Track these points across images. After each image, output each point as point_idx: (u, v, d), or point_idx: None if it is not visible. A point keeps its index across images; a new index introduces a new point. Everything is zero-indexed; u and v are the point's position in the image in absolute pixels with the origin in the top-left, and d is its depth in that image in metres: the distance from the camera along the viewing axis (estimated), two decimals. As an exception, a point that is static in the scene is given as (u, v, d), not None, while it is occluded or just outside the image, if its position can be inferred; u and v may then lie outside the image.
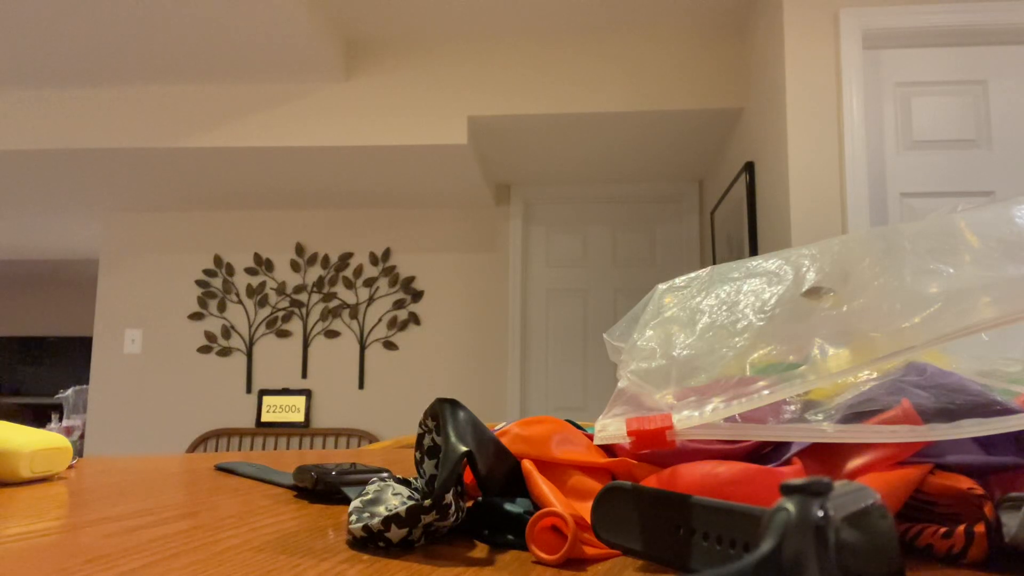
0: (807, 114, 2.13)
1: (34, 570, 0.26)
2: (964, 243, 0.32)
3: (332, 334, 3.63)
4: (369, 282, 3.66)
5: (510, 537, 0.31)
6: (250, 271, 3.72)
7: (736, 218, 2.72)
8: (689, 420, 0.30)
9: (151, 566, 0.27)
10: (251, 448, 3.58)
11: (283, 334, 3.66)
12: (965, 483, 0.28)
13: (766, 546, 0.14)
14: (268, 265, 3.73)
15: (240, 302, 3.71)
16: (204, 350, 3.68)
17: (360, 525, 0.30)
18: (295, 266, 3.70)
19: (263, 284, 3.70)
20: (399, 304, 3.63)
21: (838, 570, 0.14)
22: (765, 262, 0.39)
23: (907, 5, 2.12)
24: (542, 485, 0.33)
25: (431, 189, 3.39)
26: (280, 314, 3.68)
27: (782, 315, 0.34)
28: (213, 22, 2.46)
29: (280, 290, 3.69)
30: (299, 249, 3.71)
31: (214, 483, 0.52)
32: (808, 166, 2.10)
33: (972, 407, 0.29)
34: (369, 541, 0.30)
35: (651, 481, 0.32)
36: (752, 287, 0.38)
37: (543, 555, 0.28)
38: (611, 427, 0.32)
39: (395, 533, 0.30)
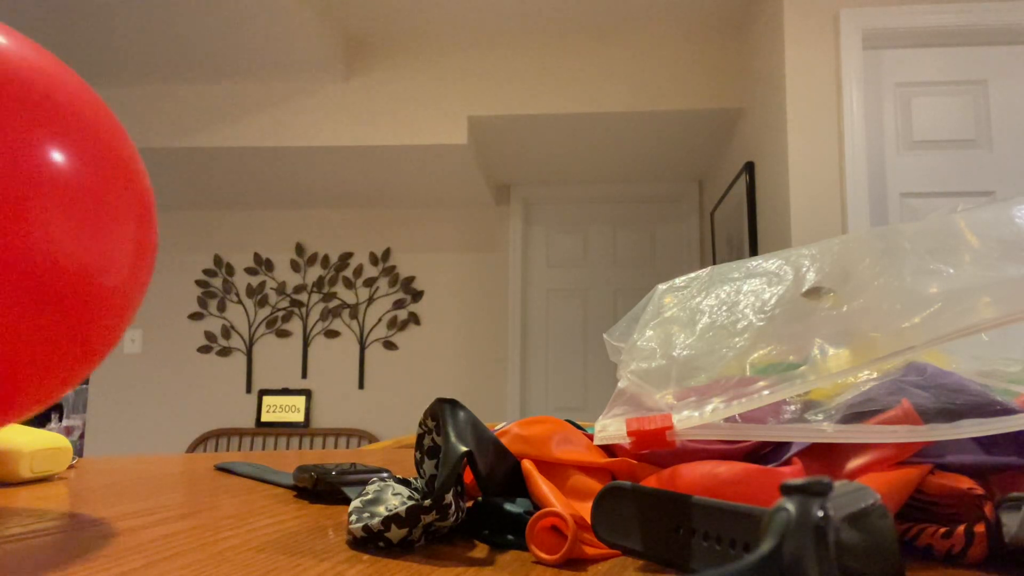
0: (807, 114, 2.13)
1: (34, 570, 0.26)
2: (964, 243, 0.32)
3: (332, 334, 3.63)
4: (369, 282, 3.66)
5: (510, 537, 0.31)
6: (250, 271, 3.73)
7: (736, 218, 2.72)
8: (689, 420, 0.30)
9: (151, 566, 0.27)
10: (251, 448, 3.58)
11: (283, 334, 3.66)
12: (965, 483, 0.28)
13: (766, 546, 0.14)
14: (268, 265, 3.73)
15: (240, 302, 3.71)
16: (204, 350, 3.68)
17: (360, 525, 0.30)
18: (295, 266, 3.70)
19: (263, 284, 3.70)
20: (399, 304, 3.63)
21: (838, 570, 0.14)
22: (765, 262, 0.39)
23: (907, 5, 2.12)
24: (542, 485, 0.33)
25: (431, 189, 3.39)
26: (280, 314, 3.68)
27: (782, 315, 0.34)
28: (213, 22, 2.46)
29: (280, 290, 3.69)
30: (299, 249, 3.71)
31: (214, 483, 0.52)
32: (808, 166, 2.10)
33: (972, 407, 0.29)
34: (369, 541, 0.30)
35: (651, 481, 0.32)
36: (752, 287, 0.38)
37: (543, 555, 0.28)
38: (611, 427, 0.32)
39: (395, 533, 0.30)
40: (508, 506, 0.32)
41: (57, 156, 0.32)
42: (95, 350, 0.37)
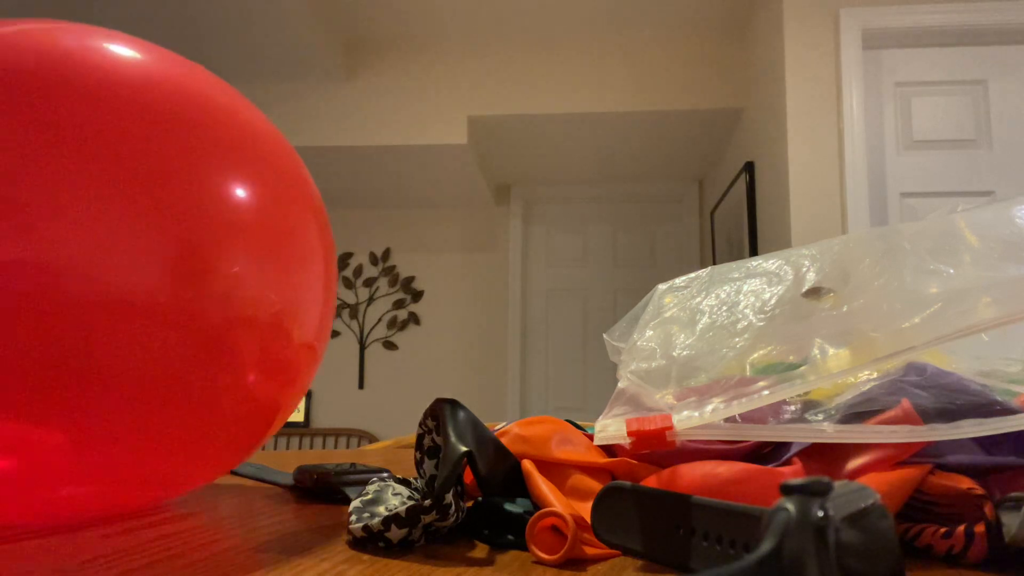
0: (807, 114, 2.13)
1: (34, 570, 0.26)
2: (964, 243, 0.32)
3: (332, 334, 3.63)
4: (369, 282, 3.66)
5: (510, 537, 0.31)
6: (250, 271, 3.73)
7: (736, 218, 2.72)
8: (689, 420, 0.30)
9: (151, 566, 0.27)
10: (251, 448, 3.57)
11: (283, 334, 3.66)
12: (965, 483, 0.28)
13: (766, 546, 0.14)
14: (268, 265, 3.73)
15: (240, 302, 3.71)
16: (204, 350, 3.68)
17: (360, 525, 0.30)
18: (295, 266, 3.70)
19: (263, 284, 3.71)
20: (399, 304, 3.63)
21: (838, 570, 0.14)
22: (765, 262, 0.39)
23: (907, 5, 2.12)
24: (542, 485, 0.33)
25: (431, 189, 3.39)
26: (280, 314, 3.68)
27: (782, 315, 0.34)
28: (213, 23, 2.46)
29: (280, 290, 3.70)
30: (299, 249, 3.71)
31: (214, 483, 0.52)
32: (808, 166, 2.10)
33: (972, 407, 0.29)
34: (369, 541, 0.30)
35: (651, 481, 0.32)
36: (752, 287, 0.38)
37: (543, 555, 0.28)
38: (611, 427, 0.32)
39: (395, 533, 0.30)
40: (508, 506, 0.32)
41: (245, 196, 0.29)
42: (283, 407, 0.34)
